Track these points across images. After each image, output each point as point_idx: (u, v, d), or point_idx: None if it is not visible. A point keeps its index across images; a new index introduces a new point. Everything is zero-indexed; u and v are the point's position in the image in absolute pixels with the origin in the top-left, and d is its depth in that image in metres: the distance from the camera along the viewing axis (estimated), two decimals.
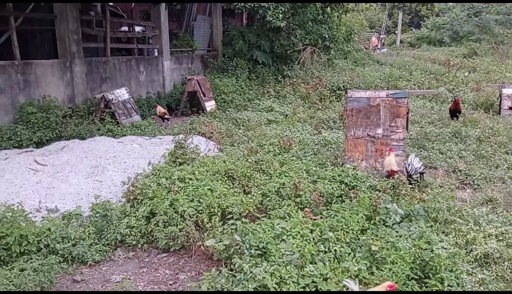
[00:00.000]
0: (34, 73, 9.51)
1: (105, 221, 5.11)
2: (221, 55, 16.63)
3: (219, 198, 5.32)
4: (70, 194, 6.06)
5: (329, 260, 4.01)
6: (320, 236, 4.39)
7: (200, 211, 5.12)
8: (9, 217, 4.46)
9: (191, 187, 5.65)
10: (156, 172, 6.33)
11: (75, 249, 4.62)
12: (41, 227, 4.71)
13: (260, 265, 3.78)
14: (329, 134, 9.44)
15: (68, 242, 4.68)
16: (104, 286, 4.28)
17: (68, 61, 10.29)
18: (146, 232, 5.02)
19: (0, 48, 10.48)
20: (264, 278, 3.58)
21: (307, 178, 6.14)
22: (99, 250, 4.77)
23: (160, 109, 11.43)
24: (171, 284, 4.33)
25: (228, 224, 4.64)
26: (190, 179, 5.98)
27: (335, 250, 4.16)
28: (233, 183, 6.06)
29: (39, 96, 9.55)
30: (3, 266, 4.17)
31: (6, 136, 8.56)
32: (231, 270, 3.97)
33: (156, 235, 4.88)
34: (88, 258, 4.63)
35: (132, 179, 6.02)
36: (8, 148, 8.41)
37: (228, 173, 6.26)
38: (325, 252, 4.16)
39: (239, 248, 4.22)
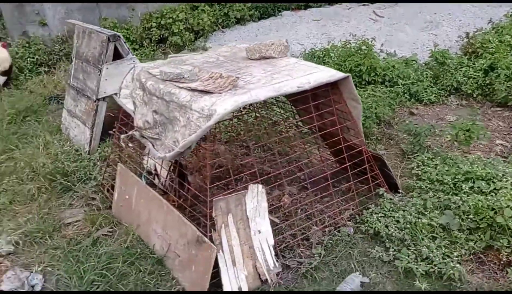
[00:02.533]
0: None
1: (442, 69, 5.33)
2: None
3: None
4: (406, 42, 6.46)
5: None
6: None
7: None
8: (363, 50, 5.19)
9: None
10: (499, 30, 5.98)
11: (413, 87, 5.07)
12: (386, 63, 5.30)
13: None
14: None
15: (408, 80, 5.15)
16: (438, 122, 4.65)
17: None
18: (483, 84, 4.99)
19: None
20: None
21: None
22: (434, 93, 5.09)
23: None
24: (505, 134, 4.34)
25: None
26: None
27: None
28: None
29: None
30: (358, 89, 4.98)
31: None
32: None
33: (494, 88, 4.82)
34: (424, 98, 5.03)
35: (471, 34, 5.92)
36: (348, 1, 9.30)
37: None
38: None
39: None
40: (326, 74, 2.92)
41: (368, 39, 5.31)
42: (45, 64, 6.25)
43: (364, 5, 8.88)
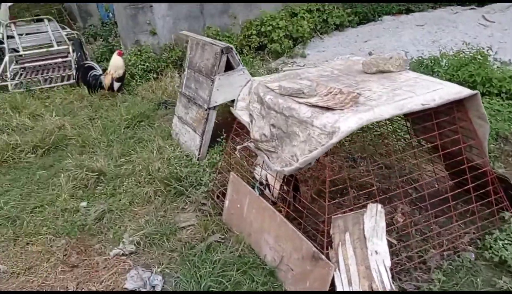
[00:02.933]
0: None
1: None
2: None
3: None
4: None
5: None
6: None
7: None
8: (478, 59, 4.86)
9: None
10: None
11: None
12: (502, 74, 4.93)
13: None
14: None
15: None
16: None
17: None
18: None
19: None
20: None
21: None
22: None
23: None
24: None
25: None
26: None
27: None
28: None
29: None
30: None
31: None
32: None
33: None
34: None
35: None
36: (452, 5, 8.81)
37: None
38: None
39: None
40: (451, 90, 2.77)
41: (483, 48, 4.98)
42: (154, 71, 6.64)
43: (471, 9, 8.36)
